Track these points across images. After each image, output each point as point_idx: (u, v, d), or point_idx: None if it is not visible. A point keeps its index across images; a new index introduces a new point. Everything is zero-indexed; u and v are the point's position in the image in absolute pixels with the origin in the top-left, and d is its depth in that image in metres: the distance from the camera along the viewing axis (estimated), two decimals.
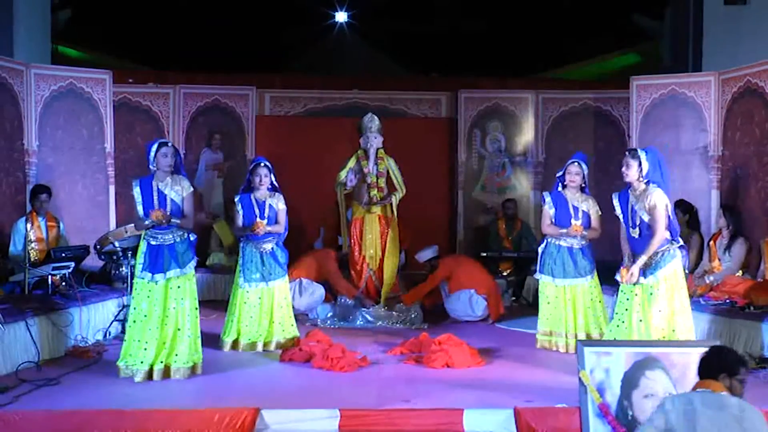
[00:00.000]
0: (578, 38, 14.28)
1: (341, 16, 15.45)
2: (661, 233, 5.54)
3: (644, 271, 5.57)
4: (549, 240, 6.83)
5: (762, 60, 8.17)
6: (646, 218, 5.58)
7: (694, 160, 8.84)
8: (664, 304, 5.52)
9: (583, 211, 6.77)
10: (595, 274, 6.78)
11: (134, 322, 5.82)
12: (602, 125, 11.00)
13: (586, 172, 6.83)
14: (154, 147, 5.91)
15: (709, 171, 8.70)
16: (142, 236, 5.92)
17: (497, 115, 11.38)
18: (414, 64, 15.27)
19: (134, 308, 5.83)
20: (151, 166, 5.90)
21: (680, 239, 5.70)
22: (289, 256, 7.07)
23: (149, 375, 5.72)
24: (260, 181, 6.93)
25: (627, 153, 5.76)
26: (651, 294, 5.55)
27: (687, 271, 5.78)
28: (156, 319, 5.77)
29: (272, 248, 6.92)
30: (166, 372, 5.79)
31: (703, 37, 11.20)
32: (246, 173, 7.17)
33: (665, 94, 9.09)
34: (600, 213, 6.84)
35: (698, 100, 8.81)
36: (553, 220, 6.81)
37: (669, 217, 5.61)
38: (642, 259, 5.53)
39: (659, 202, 5.54)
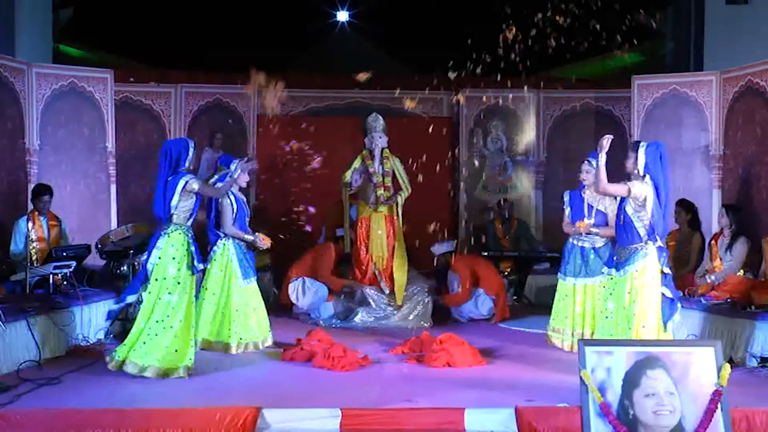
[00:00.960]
0: (579, 37, 14.23)
1: (343, 16, 15.45)
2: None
3: (616, 266, 5.72)
4: (570, 239, 6.87)
5: (763, 59, 8.18)
6: (629, 210, 5.64)
7: (696, 160, 8.85)
8: (627, 300, 5.57)
9: (598, 209, 6.75)
10: None
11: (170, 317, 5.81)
12: (603, 125, 10.96)
13: None
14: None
15: (710, 170, 8.71)
16: (187, 237, 5.91)
17: (499, 115, 11.37)
18: (415, 63, 15.24)
19: (180, 304, 5.81)
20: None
21: (659, 240, 5.69)
22: (292, 255, 6.97)
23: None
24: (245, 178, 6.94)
25: (631, 145, 5.84)
26: (614, 289, 5.71)
27: (672, 271, 5.79)
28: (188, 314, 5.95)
29: None
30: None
31: (705, 37, 11.18)
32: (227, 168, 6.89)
33: (666, 94, 9.09)
34: None
35: (700, 100, 8.81)
36: (570, 220, 6.85)
37: (654, 214, 5.60)
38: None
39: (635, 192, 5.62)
